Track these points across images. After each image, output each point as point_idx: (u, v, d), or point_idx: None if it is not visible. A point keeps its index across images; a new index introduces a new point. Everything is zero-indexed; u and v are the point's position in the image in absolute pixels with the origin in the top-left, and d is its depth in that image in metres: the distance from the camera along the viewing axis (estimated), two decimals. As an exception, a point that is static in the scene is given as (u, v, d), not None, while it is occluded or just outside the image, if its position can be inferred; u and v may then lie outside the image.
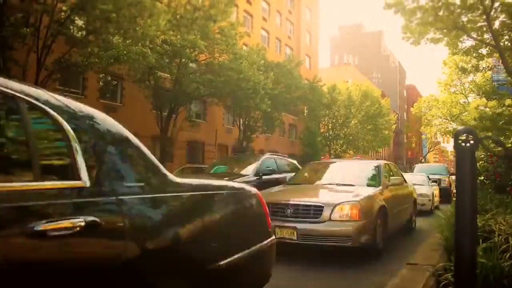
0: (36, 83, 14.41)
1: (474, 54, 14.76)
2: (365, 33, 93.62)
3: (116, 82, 22.48)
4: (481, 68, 19.10)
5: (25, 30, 13.45)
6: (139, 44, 14.37)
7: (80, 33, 14.58)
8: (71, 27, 14.30)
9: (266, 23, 38.03)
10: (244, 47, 29.27)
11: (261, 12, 37.35)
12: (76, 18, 14.13)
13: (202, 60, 20.80)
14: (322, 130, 41.37)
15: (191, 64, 20.05)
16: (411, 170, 79.83)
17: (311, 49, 47.40)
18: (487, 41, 12.72)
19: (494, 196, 5.51)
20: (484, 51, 14.58)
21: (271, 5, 39.18)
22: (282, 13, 41.44)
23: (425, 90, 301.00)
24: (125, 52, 13.47)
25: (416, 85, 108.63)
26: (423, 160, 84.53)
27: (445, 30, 11.78)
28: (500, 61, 13.18)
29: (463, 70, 23.17)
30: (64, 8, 14.13)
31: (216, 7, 18.92)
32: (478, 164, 8.08)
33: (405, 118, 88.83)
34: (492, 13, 11.55)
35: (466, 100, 33.94)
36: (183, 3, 19.20)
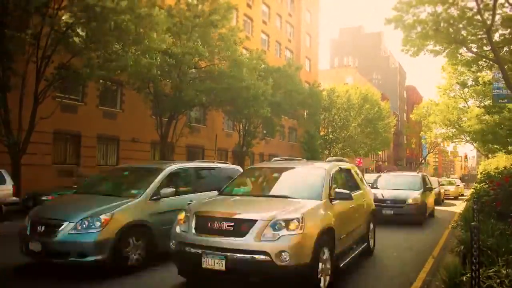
0: (36, 93, 14.41)
1: (474, 67, 14.73)
2: (365, 34, 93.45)
3: (115, 88, 22.44)
4: (481, 82, 19.01)
5: (24, 37, 13.40)
6: (147, 56, 14.37)
7: (80, 40, 14.53)
8: (73, 36, 14.22)
9: (266, 26, 37.97)
10: (244, 51, 29.24)
11: (261, 15, 37.29)
12: (78, 28, 14.07)
13: (203, 67, 20.76)
14: (322, 133, 41.35)
15: (191, 71, 20.00)
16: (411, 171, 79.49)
17: (311, 52, 47.36)
18: (487, 53, 12.70)
19: (495, 226, 5.48)
20: (484, 63, 14.53)
21: (271, 8, 39.12)
22: (282, 16, 41.38)
23: (426, 91, 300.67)
24: (131, 63, 13.44)
25: (416, 86, 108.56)
26: (423, 161, 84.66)
27: (445, 44, 11.76)
28: (500, 73, 13.13)
29: (463, 84, 23.16)
30: (64, 18, 14.12)
31: (215, 13, 18.94)
32: (479, 185, 8.05)
33: (405, 119, 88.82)
34: (492, 24, 11.52)
35: (466, 105, 33.94)
36: (184, 9, 19.21)
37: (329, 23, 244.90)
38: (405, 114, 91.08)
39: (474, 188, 8.27)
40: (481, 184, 7.42)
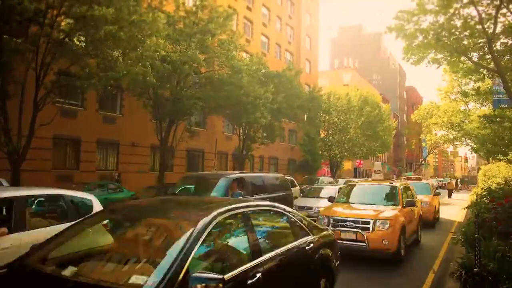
0: (35, 100, 14.36)
1: (475, 76, 14.68)
2: (365, 35, 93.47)
3: (115, 93, 22.38)
4: (482, 92, 18.99)
5: (24, 45, 13.35)
6: (139, 64, 14.26)
7: (78, 47, 14.47)
8: (71, 44, 14.17)
9: (266, 29, 37.91)
10: (245, 55, 29.15)
11: (261, 18, 37.23)
12: (75, 36, 13.99)
13: (202, 73, 20.70)
14: (322, 135, 41.30)
15: (190, 77, 19.92)
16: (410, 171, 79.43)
17: (311, 54, 47.31)
18: (488, 61, 12.65)
19: (496, 247, 5.43)
20: (485, 71, 14.47)
21: (271, 10, 39.06)
22: (282, 18, 41.33)
23: (426, 91, 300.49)
24: (124, 72, 13.37)
25: (417, 87, 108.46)
26: (423, 162, 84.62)
27: (446, 53, 11.72)
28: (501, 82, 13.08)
29: (464, 94, 23.12)
30: (63, 24, 14.07)
31: (215, 21, 18.87)
32: (479, 199, 8.02)
33: (404, 119, 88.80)
34: (493, 33, 11.49)
35: (467, 108, 33.89)
36: (183, 16, 19.14)
37: (329, 22, 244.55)
38: (405, 115, 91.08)
39: (474, 203, 8.21)
40: (483, 199, 7.38)
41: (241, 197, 8.67)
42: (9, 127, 13.86)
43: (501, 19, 11.54)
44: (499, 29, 11.45)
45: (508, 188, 7.13)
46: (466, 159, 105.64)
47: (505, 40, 11.95)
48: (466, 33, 10.94)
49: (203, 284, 2.75)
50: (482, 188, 9.00)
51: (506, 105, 18.16)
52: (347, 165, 51.69)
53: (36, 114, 14.45)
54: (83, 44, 14.02)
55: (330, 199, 10.36)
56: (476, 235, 4.64)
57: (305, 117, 35.76)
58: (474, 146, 29.09)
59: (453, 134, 38.02)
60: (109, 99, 22.10)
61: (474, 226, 5.14)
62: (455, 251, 8.31)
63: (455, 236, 8.17)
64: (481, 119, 18.67)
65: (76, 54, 14.11)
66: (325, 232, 5.41)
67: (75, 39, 14.00)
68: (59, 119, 17.31)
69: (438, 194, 15.18)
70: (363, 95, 42.45)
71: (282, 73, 27.91)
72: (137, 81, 14.98)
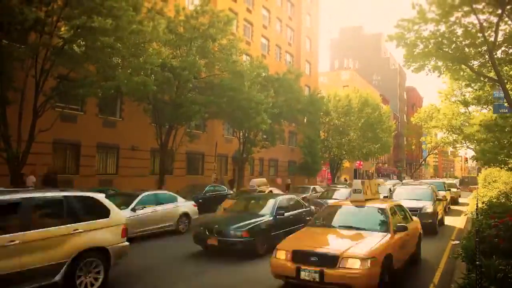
0: (35, 106, 14.33)
1: (477, 84, 14.66)
2: (365, 36, 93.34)
3: (115, 97, 22.31)
4: (483, 99, 18.99)
5: (23, 51, 13.32)
6: (141, 73, 14.24)
7: (78, 53, 14.44)
8: (70, 51, 14.13)
9: (266, 31, 37.85)
10: (245, 57, 29.09)
11: (261, 19, 37.16)
12: (74, 44, 13.95)
13: (202, 78, 20.65)
14: (322, 137, 41.28)
15: (190, 82, 19.87)
16: (410, 172, 79.26)
17: (311, 55, 47.25)
18: (488, 68, 12.61)
19: (497, 267, 5.39)
20: (486, 80, 14.45)
21: (271, 12, 39.00)
22: (282, 20, 41.26)
23: (426, 91, 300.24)
24: (125, 81, 13.35)
25: (417, 87, 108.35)
26: (423, 163, 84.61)
27: (447, 62, 11.69)
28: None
29: (465, 103, 23.12)
30: (62, 29, 14.04)
31: (216, 25, 18.83)
32: (480, 214, 7.99)
33: (405, 120, 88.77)
34: (495, 42, 11.45)
35: (467, 110, 33.84)
36: (183, 20, 19.11)
37: (329, 23, 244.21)
38: (405, 116, 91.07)
39: (475, 219, 8.16)
40: (484, 214, 7.35)
41: None
42: (9, 133, 13.85)
43: (503, 26, 11.54)
44: (500, 37, 11.43)
45: (509, 203, 7.10)
46: (466, 160, 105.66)
47: (506, 49, 11.91)
48: (467, 41, 10.91)
49: None
50: (482, 202, 8.98)
51: (507, 110, 18.13)
52: (347, 166, 51.71)
53: (36, 120, 14.43)
54: (82, 48, 13.98)
55: None
56: (477, 262, 4.60)
57: (305, 120, 35.71)
58: (475, 154, 29.10)
59: (453, 137, 37.99)
60: (109, 103, 22.01)
61: (475, 245, 5.11)
62: (456, 263, 8.30)
63: (454, 242, 8.16)
64: (481, 126, 18.70)
65: (75, 61, 14.09)
66: None
67: (74, 46, 13.94)
68: (59, 123, 17.23)
69: None
70: (363, 97, 42.40)
71: (282, 76, 27.86)
72: (137, 90, 14.95)
